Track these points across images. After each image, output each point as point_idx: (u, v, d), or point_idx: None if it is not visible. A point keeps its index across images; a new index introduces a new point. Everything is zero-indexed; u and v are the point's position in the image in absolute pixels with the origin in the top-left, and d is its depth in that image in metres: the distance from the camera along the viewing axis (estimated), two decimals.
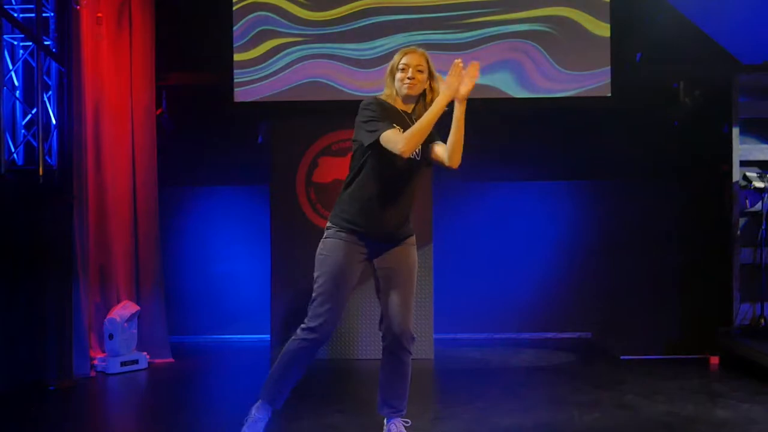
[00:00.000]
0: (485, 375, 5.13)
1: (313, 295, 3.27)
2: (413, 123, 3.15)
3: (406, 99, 3.27)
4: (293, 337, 3.32)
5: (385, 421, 3.44)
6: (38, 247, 4.81)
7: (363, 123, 3.20)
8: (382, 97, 3.29)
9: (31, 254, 4.76)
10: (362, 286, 5.62)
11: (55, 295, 4.87)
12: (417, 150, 3.18)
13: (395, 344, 3.31)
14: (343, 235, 3.25)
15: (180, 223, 6.58)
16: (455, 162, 3.17)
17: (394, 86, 3.26)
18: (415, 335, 3.36)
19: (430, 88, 3.26)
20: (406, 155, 3.08)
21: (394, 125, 3.15)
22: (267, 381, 3.36)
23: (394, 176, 3.22)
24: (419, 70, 3.22)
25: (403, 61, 3.23)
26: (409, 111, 3.28)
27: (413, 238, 3.39)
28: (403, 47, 3.34)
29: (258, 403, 3.36)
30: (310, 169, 5.75)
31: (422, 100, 3.28)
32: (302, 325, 3.29)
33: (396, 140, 3.07)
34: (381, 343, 3.37)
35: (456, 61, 3.04)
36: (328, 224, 3.33)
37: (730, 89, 5.58)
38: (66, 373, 4.82)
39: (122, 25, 5.52)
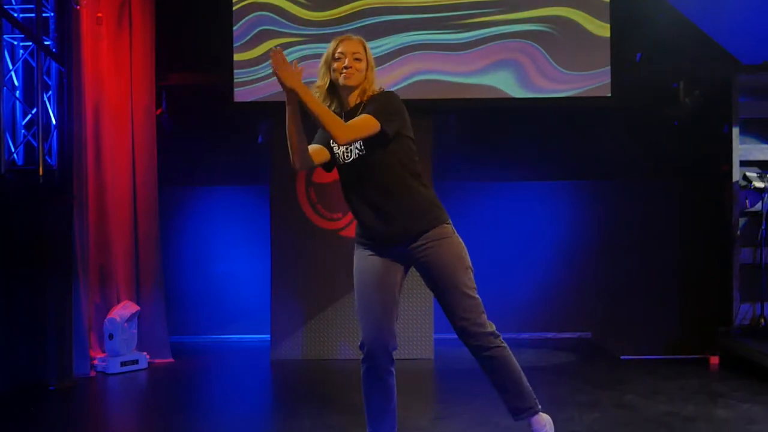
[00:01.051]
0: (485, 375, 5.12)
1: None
2: (350, 116, 2.96)
3: (343, 90, 3.00)
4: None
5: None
6: (38, 247, 4.81)
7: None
8: (314, 89, 3.00)
9: (32, 254, 4.76)
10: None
11: (56, 295, 4.87)
12: (358, 145, 2.95)
13: (468, 345, 3.04)
14: (357, 245, 3.10)
15: (180, 223, 6.58)
16: (338, 139, 2.86)
17: (329, 75, 2.99)
18: (490, 328, 3.03)
19: (366, 78, 3.00)
20: (341, 143, 2.89)
21: (320, 143, 3.05)
22: (367, 418, 3.16)
23: (355, 182, 3.02)
24: (356, 58, 2.97)
25: (339, 49, 2.98)
26: (350, 105, 3.01)
27: (437, 231, 3.02)
28: (338, 36, 3.06)
29: None
30: (311, 169, 5.74)
31: (358, 90, 3.01)
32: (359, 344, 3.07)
33: (316, 152, 3.07)
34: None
35: (274, 48, 2.74)
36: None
37: (730, 89, 5.58)
38: (66, 373, 4.83)
39: (122, 25, 5.52)
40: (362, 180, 2.99)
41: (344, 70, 2.96)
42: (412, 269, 3.11)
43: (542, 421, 3.08)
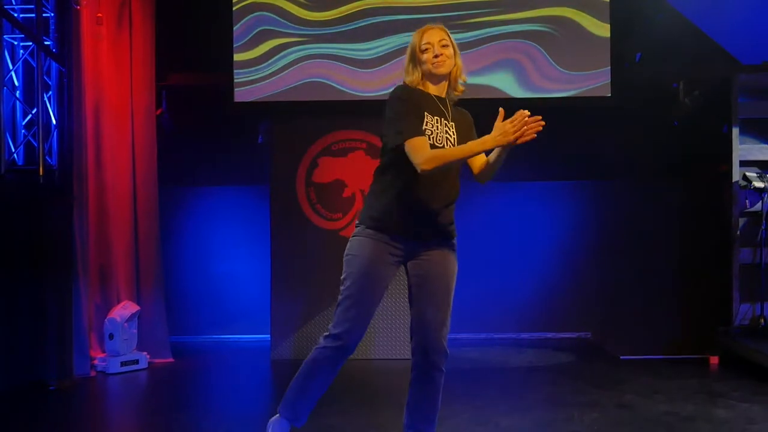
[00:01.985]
0: (485, 375, 5.13)
1: (339, 298, 2.95)
2: (447, 110, 2.99)
3: (436, 80, 2.99)
4: (315, 346, 3.02)
5: None
6: (39, 247, 4.81)
7: (392, 119, 2.88)
8: (408, 82, 3.01)
9: (32, 254, 4.77)
10: None
11: (56, 295, 4.87)
12: (450, 138, 2.95)
13: (425, 361, 2.95)
14: (371, 233, 2.94)
15: (180, 223, 6.58)
16: (483, 181, 3.02)
17: (420, 69, 2.98)
18: (448, 351, 2.97)
19: (456, 65, 3.00)
20: (423, 173, 2.79)
21: (425, 129, 2.87)
22: (287, 394, 3.10)
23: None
24: (444, 45, 2.96)
25: (425, 40, 2.97)
26: (442, 94, 3.01)
27: (454, 242, 3.02)
28: (420, 28, 3.04)
29: (275, 417, 3.11)
30: (310, 169, 5.75)
31: (449, 78, 3.01)
32: (325, 333, 2.98)
33: (420, 154, 2.78)
34: (411, 357, 3.01)
35: (523, 111, 2.71)
36: (357, 223, 3.03)
37: (730, 89, 5.58)
38: (66, 372, 4.83)
39: (122, 25, 5.52)
40: (441, 172, 2.87)
41: (435, 59, 2.94)
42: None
43: None
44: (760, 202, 5.42)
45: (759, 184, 5.35)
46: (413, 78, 3.00)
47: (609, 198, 6.33)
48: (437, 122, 2.94)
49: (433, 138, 2.89)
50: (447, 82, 3.02)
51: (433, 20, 5.57)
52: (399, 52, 5.62)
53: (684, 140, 6.07)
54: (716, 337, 5.36)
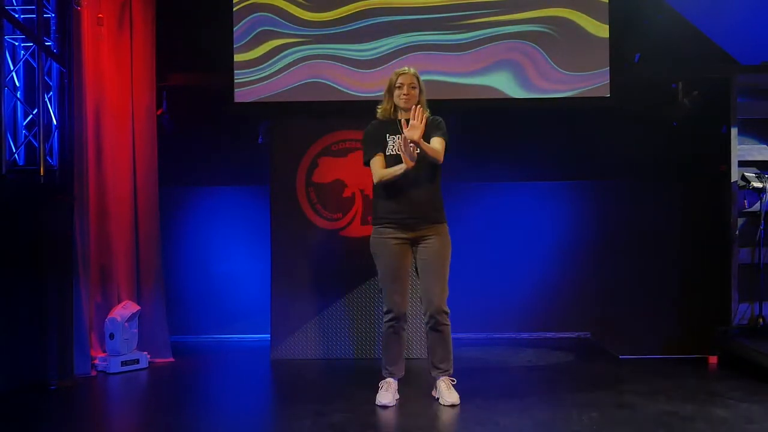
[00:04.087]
0: (485, 375, 5.14)
1: (380, 285, 4.22)
2: (401, 127, 4.06)
3: (404, 110, 4.12)
4: (383, 321, 4.17)
5: (436, 382, 4.20)
6: (39, 247, 4.82)
7: (363, 148, 4.22)
8: (379, 109, 4.19)
9: (32, 254, 4.78)
10: (359, 289, 5.65)
11: (56, 295, 4.88)
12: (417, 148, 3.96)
13: (433, 320, 4.07)
14: (382, 230, 4.12)
15: (180, 223, 6.59)
16: (440, 159, 4.07)
17: (392, 101, 4.14)
18: (448, 309, 4.09)
19: (419, 102, 4.10)
20: (378, 185, 4.09)
21: (379, 153, 4.11)
22: (382, 363, 4.22)
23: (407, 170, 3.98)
24: (412, 87, 4.10)
25: (399, 81, 4.10)
26: (408, 116, 4.05)
27: (442, 227, 4.12)
28: (396, 70, 4.14)
29: (387, 380, 4.19)
30: (310, 169, 5.76)
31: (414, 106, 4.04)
32: (384, 311, 4.16)
33: (373, 173, 4.11)
34: (423, 319, 4.15)
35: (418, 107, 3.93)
36: (373, 224, 4.19)
37: (729, 90, 5.59)
38: (67, 372, 4.84)
39: (123, 25, 5.53)
40: (411, 173, 3.98)
41: (404, 96, 4.09)
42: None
43: (449, 380, 4.18)
44: (759, 202, 5.43)
45: (758, 185, 5.36)
46: (386, 106, 4.17)
47: (608, 198, 6.35)
48: (399, 139, 4.04)
49: (396, 149, 4.08)
50: (413, 108, 4.01)
51: (432, 21, 5.65)
52: (399, 52, 5.63)
53: (683, 140, 6.08)
54: (715, 337, 5.37)
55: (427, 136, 4.02)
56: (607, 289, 6.22)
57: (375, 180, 4.09)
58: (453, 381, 4.20)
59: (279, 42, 5.69)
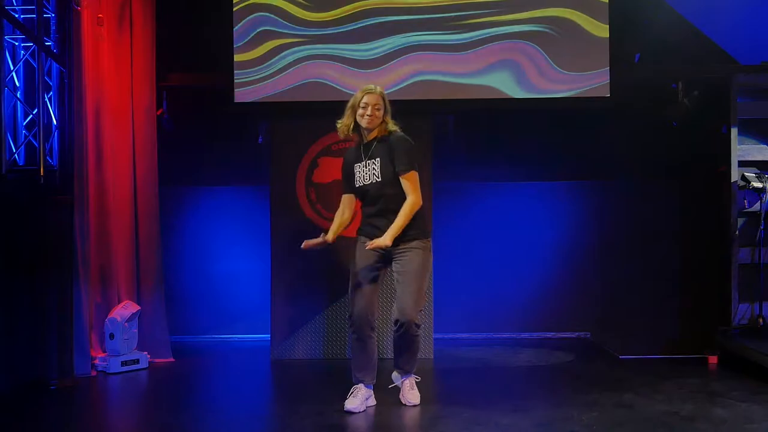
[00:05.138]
0: (485, 375, 5.14)
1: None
2: (365, 153, 4.09)
3: (366, 130, 4.06)
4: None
5: (399, 381, 4.25)
6: (39, 247, 4.82)
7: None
8: (339, 124, 4.10)
9: (33, 254, 4.78)
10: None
11: (56, 295, 4.89)
12: (375, 172, 4.03)
13: (402, 328, 4.01)
14: (360, 237, 4.17)
15: (180, 223, 6.59)
16: (418, 206, 4.07)
17: (354, 118, 4.04)
18: (418, 321, 4.02)
19: (383, 121, 4.05)
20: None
21: (346, 192, 4.24)
22: (352, 370, 4.14)
23: (369, 199, 4.11)
24: (377, 108, 4.01)
25: (364, 100, 4.00)
26: (369, 138, 4.08)
27: (417, 243, 4.05)
28: (364, 87, 4.06)
29: (357, 386, 4.11)
30: (310, 169, 5.76)
31: (378, 126, 4.06)
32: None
33: (341, 207, 4.25)
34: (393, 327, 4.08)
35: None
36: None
37: (729, 90, 5.59)
38: (67, 372, 4.84)
39: (123, 25, 5.53)
40: (374, 196, 4.07)
41: (367, 116, 3.99)
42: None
43: (413, 379, 4.22)
44: (759, 202, 5.43)
45: (757, 184, 5.36)
46: (345, 122, 4.08)
47: (608, 198, 6.35)
48: (363, 167, 4.09)
49: (362, 180, 4.10)
50: (375, 131, 4.07)
51: (432, 21, 5.65)
52: (399, 52, 5.63)
53: (683, 140, 6.08)
54: (715, 337, 5.37)
55: (390, 159, 4.00)
56: (607, 289, 6.21)
57: (340, 213, 4.26)
58: (417, 379, 4.27)
59: (279, 42, 5.69)
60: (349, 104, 4.07)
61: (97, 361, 5.21)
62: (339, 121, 4.10)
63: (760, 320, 5.38)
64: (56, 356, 4.82)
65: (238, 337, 6.59)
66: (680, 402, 4.16)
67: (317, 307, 5.70)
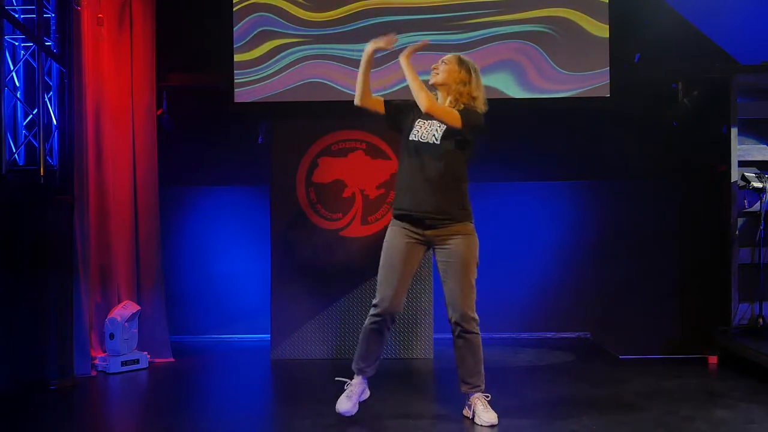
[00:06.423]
0: (485, 375, 5.13)
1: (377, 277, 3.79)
2: (424, 117, 3.72)
3: (433, 88, 3.80)
4: (369, 314, 3.78)
5: (470, 399, 3.79)
6: (39, 247, 4.82)
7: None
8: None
9: (32, 254, 4.77)
10: (359, 289, 5.65)
11: (56, 295, 4.88)
12: (435, 134, 3.69)
13: (459, 327, 3.75)
14: (395, 221, 3.78)
15: (180, 223, 6.59)
16: (422, 104, 3.61)
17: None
18: (475, 316, 3.79)
19: (460, 92, 3.75)
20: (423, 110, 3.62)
21: (414, 130, 3.76)
22: (355, 357, 3.87)
23: (417, 160, 3.71)
24: (443, 62, 3.80)
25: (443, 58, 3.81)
26: (444, 100, 3.78)
27: (466, 226, 3.82)
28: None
29: (354, 378, 3.87)
30: (310, 169, 5.76)
31: (449, 92, 3.77)
32: (372, 303, 3.78)
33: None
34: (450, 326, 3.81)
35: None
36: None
37: (729, 90, 5.60)
38: (67, 372, 4.84)
39: (123, 25, 5.53)
40: (427, 163, 3.69)
41: (432, 69, 3.80)
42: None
43: (483, 398, 3.76)
44: (759, 202, 5.43)
45: (757, 185, 5.36)
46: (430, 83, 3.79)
47: (608, 198, 6.35)
48: (426, 123, 3.75)
49: (417, 135, 3.74)
50: (451, 96, 3.76)
51: (432, 21, 5.65)
52: (399, 52, 5.61)
53: (683, 140, 6.09)
54: (715, 337, 5.38)
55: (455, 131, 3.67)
56: (607, 289, 6.22)
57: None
58: (488, 397, 3.78)
59: (279, 42, 5.69)
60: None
61: (97, 361, 5.21)
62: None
63: (760, 320, 5.38)
64: (56, 356, 4.82)
65: (238, 337, 6.59)
66: (680, 402, 4.16)
67: (317, 307, 5.70)
